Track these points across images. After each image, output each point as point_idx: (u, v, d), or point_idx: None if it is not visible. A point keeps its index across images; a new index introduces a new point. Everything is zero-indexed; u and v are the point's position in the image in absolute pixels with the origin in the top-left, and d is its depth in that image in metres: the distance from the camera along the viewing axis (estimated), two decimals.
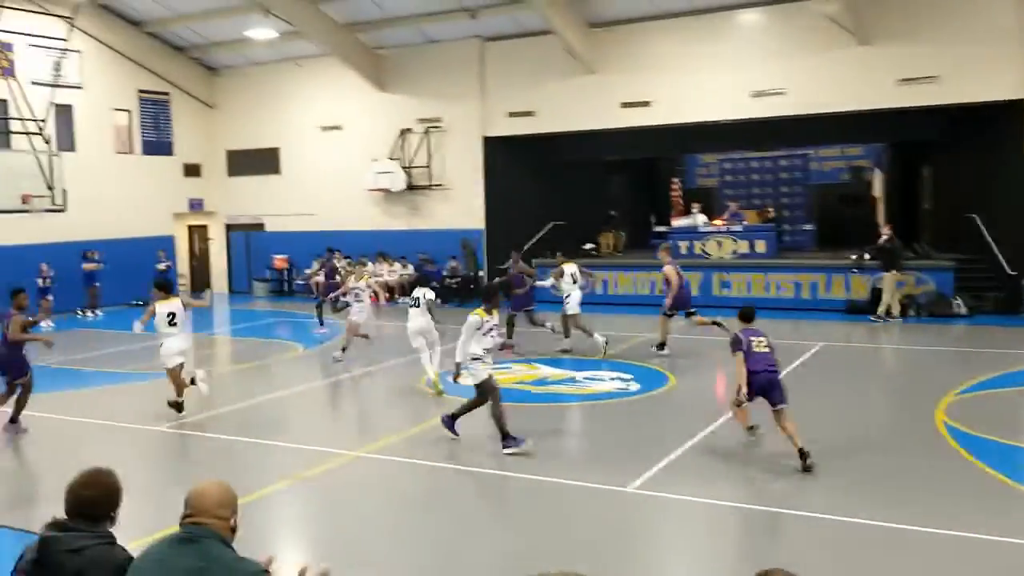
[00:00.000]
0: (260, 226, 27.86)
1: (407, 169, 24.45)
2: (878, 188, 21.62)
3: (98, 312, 23.42)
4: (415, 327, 13.07)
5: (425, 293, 13.25)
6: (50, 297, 21.80)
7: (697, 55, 20.91)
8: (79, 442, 10.91)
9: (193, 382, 11.82)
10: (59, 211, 19.50)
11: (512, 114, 23.21)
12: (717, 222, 22.40)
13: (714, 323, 14.74)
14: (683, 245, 21.75)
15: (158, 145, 26.73)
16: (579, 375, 13.59)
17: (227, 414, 11.95)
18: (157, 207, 26.40)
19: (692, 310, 15.15)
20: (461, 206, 24.06)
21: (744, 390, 8.92)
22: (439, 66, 23.90)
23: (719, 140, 23.84)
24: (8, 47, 21.54)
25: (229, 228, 28.65)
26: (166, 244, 26.01)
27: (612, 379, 13.21)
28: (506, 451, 9.50)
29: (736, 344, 9.09)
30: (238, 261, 28.07)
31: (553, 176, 25.49)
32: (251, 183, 27.69)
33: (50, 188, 19.04)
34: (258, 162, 27.49)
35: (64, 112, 23.55)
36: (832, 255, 21.28)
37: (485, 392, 9.77)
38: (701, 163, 30.61)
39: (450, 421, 10.19)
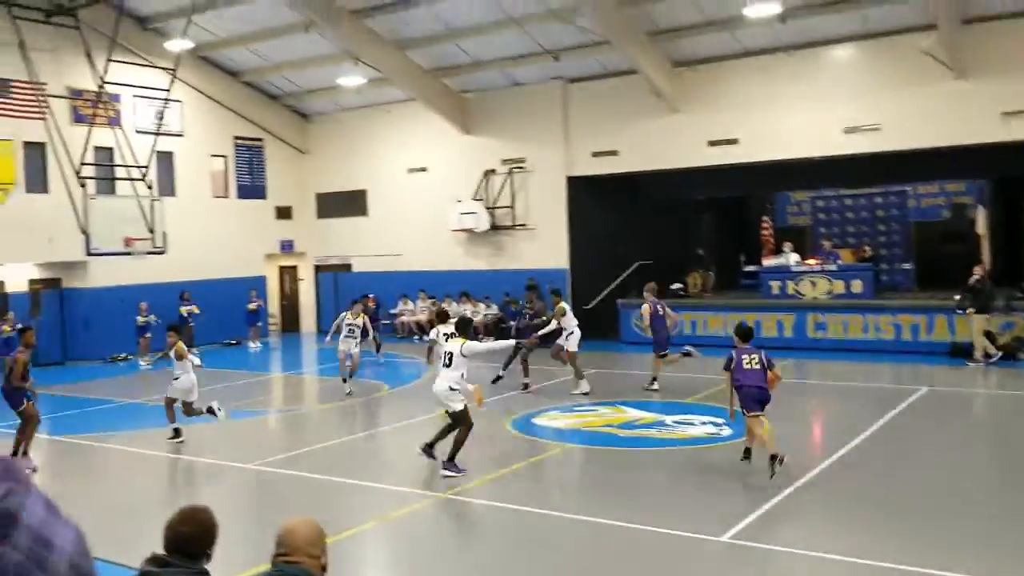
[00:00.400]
0: (348, 267, 28.42)
1: (491, 209, 24.68)
2: (982, 225, 20.71)
3: (193, 351, 24.14)
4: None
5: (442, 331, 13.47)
6: (148, 335, 22.69)
7: (785, 92, 20.59)
8: (171, 479, 11.16)
9: (211, 411, 12.88)
10: (159, 253, 20.26)
11: (596, 154, 23.22)
12: (810, 261, 21.84)
13: (684, 355, 15.32)
14: (775, 285, 21.28)
15: (252, 189, 27.67)
16: (669, 419, 13.30)
17: (315, 452, 12.07)
18: (250, 248, 27.25)
19: (664, 352, 15.56)
20: (545, 246, 24.09)
21: (734, 409, 9.98)
22: (523, 108, 24.15)
23: (811, 177, 23.34)
24: (116, 98, 22.69)
25: (318, 269, 29.31)
26: (258, 284, 26.77)
27: (703, 423, 12.88)
28: (445, 472, 10.30)
29: (728, 363, 9.98)
30: (326, 300, 28.67)
31: (639, 215, 25.32)
32: (340, 225, 28.34)
33: (151, 231, 19.81)
34: (346, 204, 28.14)
35: (165, 159, 24.64)
36: (934, 295, 20.44)
37: (460, 420, 10.55)
38: (792, 201, 30.00)
39: (449, 464, 10.47)
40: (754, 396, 9.84)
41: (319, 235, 28.89)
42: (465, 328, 11.10)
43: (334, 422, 14.49)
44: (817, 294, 20.84)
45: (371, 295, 23.25)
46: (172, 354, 12.90)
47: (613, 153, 22.98)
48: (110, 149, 22.24)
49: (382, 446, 12.82)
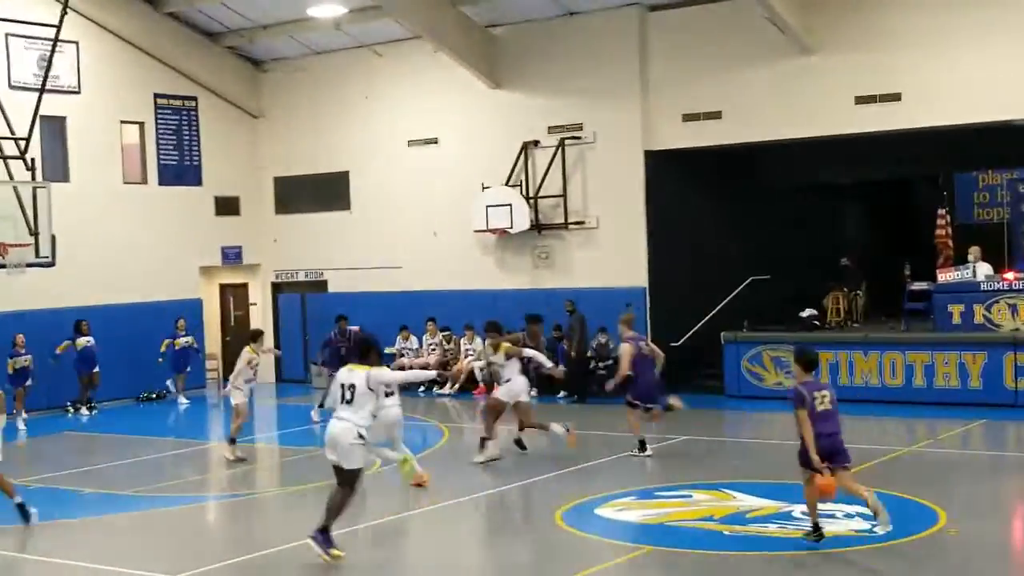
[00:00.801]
0: (322, 285, 28.64)
1: (532, 200, 24.78)
2: None
3: (94, 408, 24.54)
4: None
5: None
6: (28, 383, 23.04)
7: (973, 23, 20.52)
8: None
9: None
10: (45, 265, 20.57)
11: (688, 117, 23.26)
12: (1009, 276, 21.68)
13: (667, 408, 17.02)
14: (955, 311, 21.16)
15: (181, 171, 28.11)
16: (796, 509, 13.24)
17: (266, 560, 12.21)
18: (178, 258, 27.64)
19: (650, 406, 16.91)
20: (612, 253, 24.11)
21: (816, 457, 10.82)
22: (580, 49, 24.27)
23: (1009, 150, 23.14)
24: None
25: (277, 288, 29.58)
26: (189, 311, 27.09)
27: (849, 515, 12.83)
28: (311, 540, 11.34)
29: (800, 400, 10.82)
30: (289, 336, 28.88)
31: (751, 208, 25.25)
32: (309, 224, 28.63)
33: (33, 233, 20.14)
34: (319, 193, 28.44)
35: (53, 126, 25.09)
36: None
37: (348, 481, 11.40)
38: (981, 186, 29.76)
39: (321, 535, 11.45)
40: (837, 448, 10.93)
41: (279, 239, 29.21)
42: (367, 351, 11.69)
43: (294, 515, 14.61)
44: (1020, 324, 20.69)
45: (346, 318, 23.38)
46: None
47: (714, 116, 23.01)
48: None
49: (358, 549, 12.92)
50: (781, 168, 24.90)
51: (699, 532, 12.41)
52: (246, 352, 18.01)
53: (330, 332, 23.34)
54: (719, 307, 23.79)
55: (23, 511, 13.76)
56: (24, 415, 22.70)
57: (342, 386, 11.37)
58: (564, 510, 13.55)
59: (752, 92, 22.52)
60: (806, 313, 23.49)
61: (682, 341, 23.14)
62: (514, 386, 16.91)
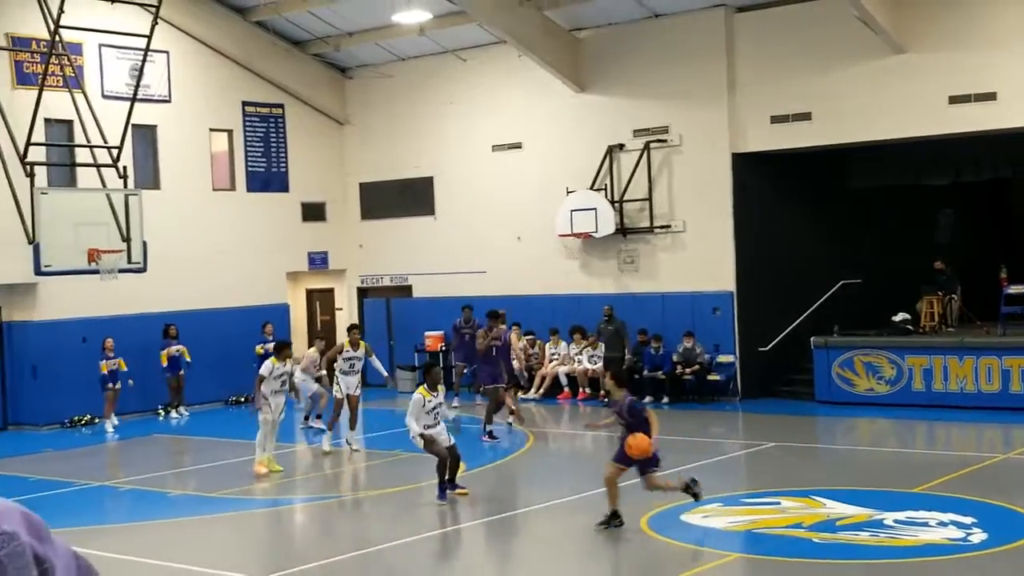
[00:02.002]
0: (406, 290, 28.90)
1: (618, 204, 24.78)
2: None
3: (184, 411, 24.96)
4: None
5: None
6: (117, 386, 23.51)
7: None
8: None
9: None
10: (137, 271, 21.00)
11: (777, 119, 23.07)
12: None
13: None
14: None
15: (269, 178, 28.53)
16: (889, 516, 13.07)
17: (381, 552, 12.28)
18: (266, 264, 28.03)
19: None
20: (699, 257, 23.99)
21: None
22: (666, 51, 24.20)
23: None
24: (75, 50, 23.72)
25: (363, 293, 29.89)
26: (276, 316, 27.43)
27: (942, 523, 12.61)
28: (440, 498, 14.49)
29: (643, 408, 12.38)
30: (375, 339, 29.03)
31: (841, 211, 25.00)
32: (394, 229, 28.89)
33: (125, 239, 20.57)
34: (403, 199, 28.68)
35: (145, 135, 25.64)
36: None
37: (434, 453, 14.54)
38: None
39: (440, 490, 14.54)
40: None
41: (364, 245, 29.52)
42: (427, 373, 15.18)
43: (381, 519, 14.72)
44: None
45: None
46: None
47: (804, 117, 22.80)
48: (68, 122, 23.22)
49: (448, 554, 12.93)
50: (872, 170, 24.59)
51: (787, 540, 12.32)
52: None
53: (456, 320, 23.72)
54: (809, 311, 23.56)
55: None
56: (115, 419, 23.15)
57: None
58: (650, 516, 13.54)
59: (842, 92, 22.26)
60: (899, 317, 23.16)
61: (771, 346, 23.04)
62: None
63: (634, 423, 12.57)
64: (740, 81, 23.56)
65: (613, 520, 12.57)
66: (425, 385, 14.84)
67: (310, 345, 24.36)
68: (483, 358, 20.60)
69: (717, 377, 23.29)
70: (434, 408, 14.73)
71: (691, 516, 13.53)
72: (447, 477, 14.65)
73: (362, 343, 19.99)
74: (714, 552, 12.10)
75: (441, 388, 15.05)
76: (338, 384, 19.50)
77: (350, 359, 19.68)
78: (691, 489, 12.85)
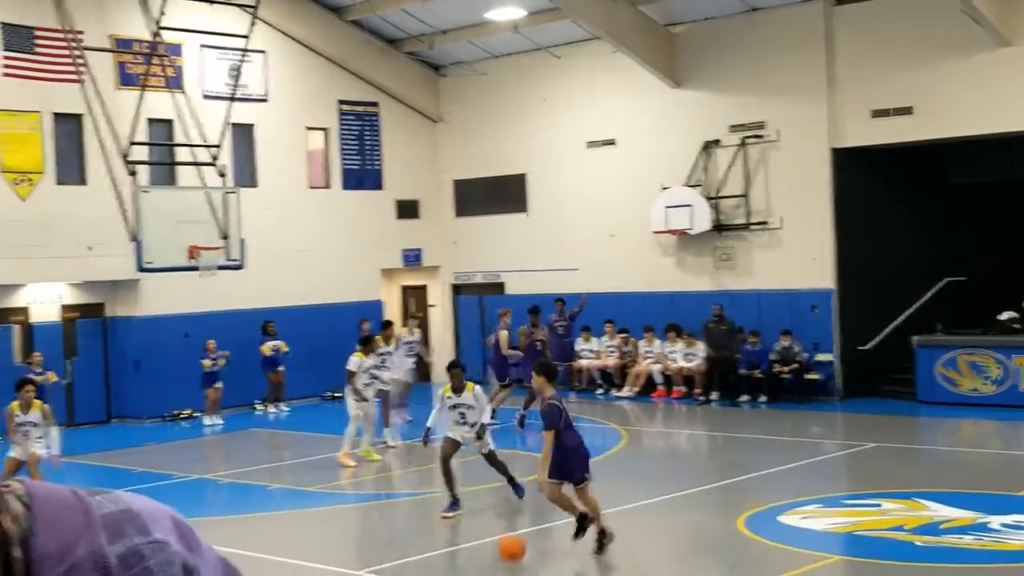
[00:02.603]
0: (499, 287, 28.99)
1: (713, 200, 24.61)
2: None
3: (282, 407, 25.28)
4: None
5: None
6: (219, 385, 23.90)
7: None
8: None
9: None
10: (235, 267, 21.34)
11: (877, 113, 22.72)
12: None
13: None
14: None
15: (363, 176, 28.80)
16: (995, 520, 12.78)
17: (475, 548, 12.34)
18: (360, 261, 28.32)
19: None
20: (797, 254, 23.73)
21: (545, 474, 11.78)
22: (763, 45, 23.96)
23: None
24: (176, 51, 24.19)
25: (456, 290, 30.02)
26: (371, 312, 27.61)
27: None
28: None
29: (555, 418, 11.72)
30: (468, 338, 29.27)
31: (944, 207, 24.58)
32: (487, 226, 29.01)
33: (224, 237, 20.91)
34: (497, 196, 28.77)
35: (243, 134, 26.05)
36: None
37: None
38: None
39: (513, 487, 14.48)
40: (582, 458, 12.02)
41: (458, 241, 29.67)
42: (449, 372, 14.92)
43: (480, 514, 14.75)
44: None
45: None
46: (34, 415, 14.98)
47: (905, 111, 22.42)
48: (168, 122, 23.69)
49: (558, 549, 12.90)
50: (976, 165, 24.08)
51: (889, 542, 12.13)
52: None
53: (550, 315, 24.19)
54: (911, 310, 23.19)
55: None
56: (218, 419, 23.53)
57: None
58: (746, 517, 13.48)
59: (945, 86, 21.84)
60: (1005, 316, 22.63)
61: (871, 345, 22.74)
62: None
63: (544, 426, 12.04)
64: (840, 75, 23.24)
65: (582, 523, 11.99)
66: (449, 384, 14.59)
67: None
68: (526, 354, 21.08)
69: (816, 376, 22.97)
70: (456, 407, 14.29)
71: (789, 517, 13.41)
72: (510, 478, 14.48)
73: (392, 339, 21.00)
74: (813, 554, 11.93)
75: (471, 391, 14.40)
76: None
77: (383, 354, 20.15)
78: (582, 523, 11.97)
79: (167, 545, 1.76)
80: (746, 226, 24.40)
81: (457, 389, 14.35)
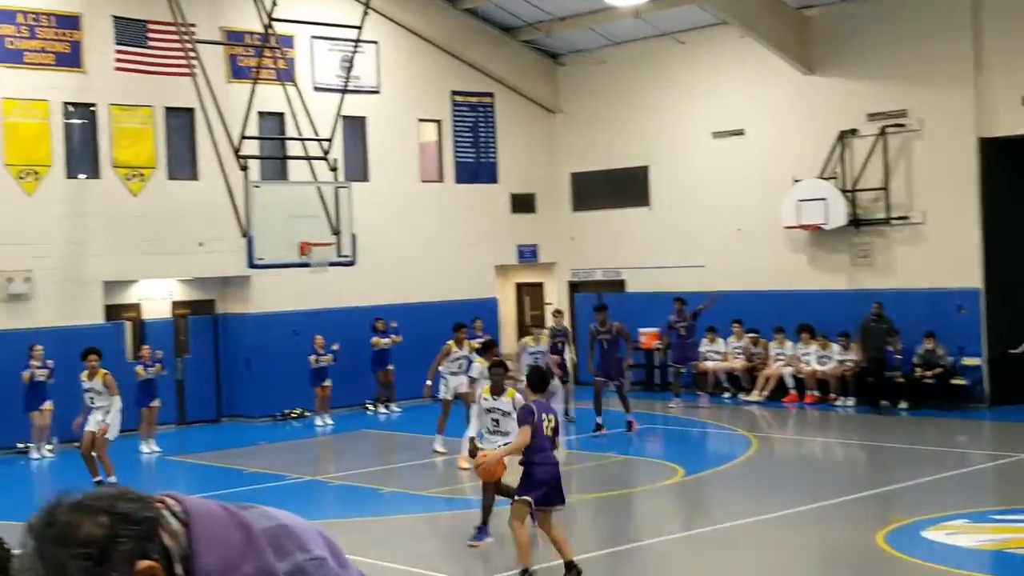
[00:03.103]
0: (619, 284, 28.90)
1: (850, 193, 24.26)
2: None
3: (393, 407, 25.56)
4: None
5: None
6: (327, 383, 24.23)
7: None
8: None
9: None
10: (346, 264, 21.64)
11: None
12: None
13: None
14: None
15: (477, 169, 28.95)
16: None
17: (590, 561, 12.34)
18: (474, 257, 28.48)
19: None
20: (942, 251, 23.30)
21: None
22: (903, 28, 23.54)
23: None
24: (287, 42, 24.59)
25: (574, 287, 30.02)
26: (485, 311, 27.80)
27: None
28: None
29: (529, 415, 11.29)
30: (586, 337, 29.12)
31: None
32: (606, 221, 28.93)
33: (336, 232, 21.22)
34: (617, 189, 28.69)
35: (354, 127, 26.37)
36: None
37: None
38: None
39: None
40: (549, 477, 11.33)
41: (575, 237, 29.66)
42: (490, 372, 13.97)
43: (610, 520, 14.73)
44: None
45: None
46: (96, 383, 17.17)
47: None
48: (280, 115, 24.13)
49: (679, 557, 12.83)
50: None
51: (1009, 556, 11.79)
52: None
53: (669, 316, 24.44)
54: None
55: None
56: (328, 419, 23.85)
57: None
58: (887, 532, 13.28)
59: None
60: None
61: (1022, 348, 22.18)
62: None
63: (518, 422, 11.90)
64: (987, 60, 22.68)
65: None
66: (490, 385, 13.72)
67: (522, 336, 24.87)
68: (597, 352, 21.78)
69: (962, 381, 22.42)
70: (490, 411, 13.37)
71: (934, 533, 13.14)
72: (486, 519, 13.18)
73: (467, 342, 20.83)
74: (960, 573, 11.69)
75: (510, 396, 13.23)
76: (444, 385, 20.10)
77: (458, 359, 20.42)
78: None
79: (326, 561, 1.88)
80: (886, 221, 23.97)
81: (496, 391, 13.43)
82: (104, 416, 17.12)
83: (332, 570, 1.82)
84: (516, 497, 11.45)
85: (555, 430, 11.48)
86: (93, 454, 17.26)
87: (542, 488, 11.25)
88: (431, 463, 19.08)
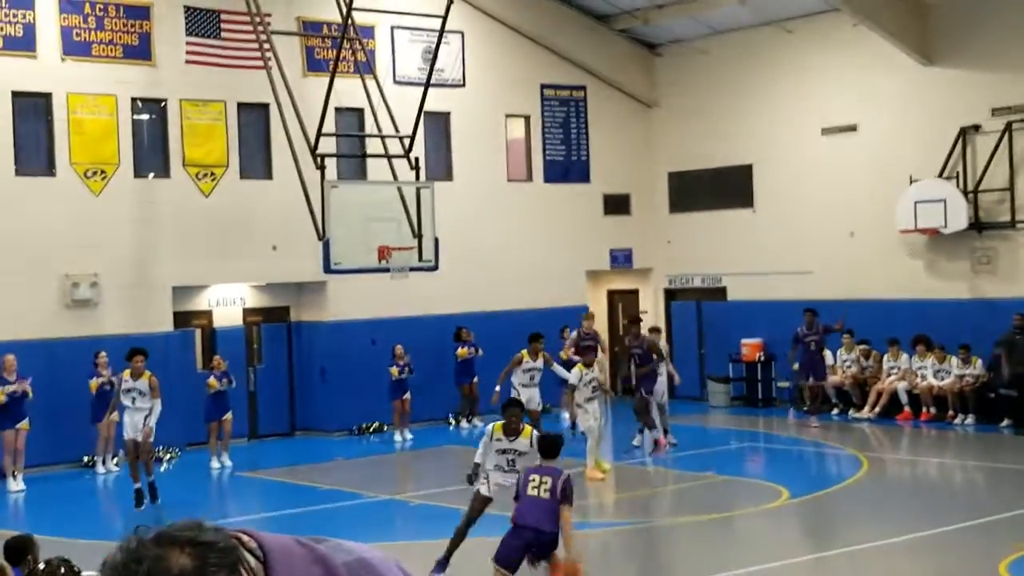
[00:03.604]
0: (720, 292, 28.52)
1: (971, 195, 23.79)
2: None
3: (477, 421, 25.34)
4: None
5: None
6: (407, 396, 24.08)
7: None
8: None
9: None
10: (428, 269, 21.47)
11: None
12: None
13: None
14: None
15: (568, 168, 28.71)
16: None
17: None
18: (564, 262, 28.17)
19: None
20: None
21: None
22: None
23: None
24: (367, 33, 24.51)
25: (670, 295, 29.65)
26: (575, 319, 27.36)
27: None
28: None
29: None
30: (684, 348, 28.81)
31: None
32: (707, 223, 28.59)
33: (416, 236, 21.06)
34: (718, 189, 28.38)
35: (438, 123, 26.21)
36: None
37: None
38: None
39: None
40: (525, 541, 11.29)
41: (673, 241, 29.34)
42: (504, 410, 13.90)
43: (708, 546, 14.44)
44: None
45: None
46: (141, 383, 17.85)
47: None
48: (359, 111, 24.04)
49: None
50: None
51: None
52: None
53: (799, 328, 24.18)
54: None
55: (139, 496, 17.42)
56: (408, 432, 23.67)
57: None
58: (1011, 561, 13.06)
59: None
60: None
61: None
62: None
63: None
64: None
65: None
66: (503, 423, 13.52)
67: (615, 352, 24.63)
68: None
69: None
70: (504, 452, 13.22)
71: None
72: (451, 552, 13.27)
73: (542, 353, 21.02)
74: None
75: (527, 436, 13.12)
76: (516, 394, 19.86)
77: (530, 370, 20.71)
78: None
79: None
80: (1011, 224, 23.54)
81: (511, 432, 13.26)
82: (145, 419, 17.71)
83: None
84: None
85: (553, 491, 11.40)
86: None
87: (503, 548, 11.57)
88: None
